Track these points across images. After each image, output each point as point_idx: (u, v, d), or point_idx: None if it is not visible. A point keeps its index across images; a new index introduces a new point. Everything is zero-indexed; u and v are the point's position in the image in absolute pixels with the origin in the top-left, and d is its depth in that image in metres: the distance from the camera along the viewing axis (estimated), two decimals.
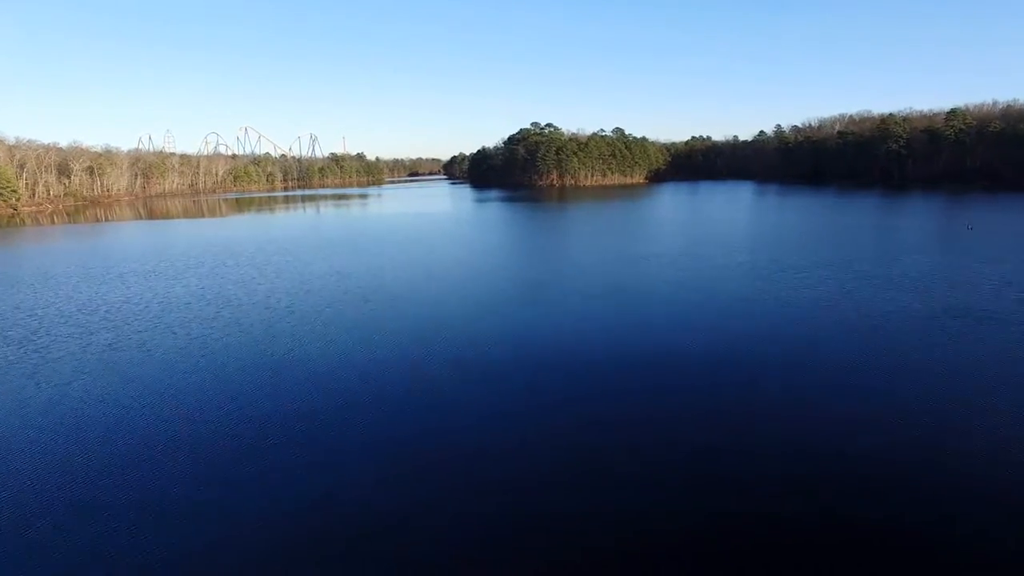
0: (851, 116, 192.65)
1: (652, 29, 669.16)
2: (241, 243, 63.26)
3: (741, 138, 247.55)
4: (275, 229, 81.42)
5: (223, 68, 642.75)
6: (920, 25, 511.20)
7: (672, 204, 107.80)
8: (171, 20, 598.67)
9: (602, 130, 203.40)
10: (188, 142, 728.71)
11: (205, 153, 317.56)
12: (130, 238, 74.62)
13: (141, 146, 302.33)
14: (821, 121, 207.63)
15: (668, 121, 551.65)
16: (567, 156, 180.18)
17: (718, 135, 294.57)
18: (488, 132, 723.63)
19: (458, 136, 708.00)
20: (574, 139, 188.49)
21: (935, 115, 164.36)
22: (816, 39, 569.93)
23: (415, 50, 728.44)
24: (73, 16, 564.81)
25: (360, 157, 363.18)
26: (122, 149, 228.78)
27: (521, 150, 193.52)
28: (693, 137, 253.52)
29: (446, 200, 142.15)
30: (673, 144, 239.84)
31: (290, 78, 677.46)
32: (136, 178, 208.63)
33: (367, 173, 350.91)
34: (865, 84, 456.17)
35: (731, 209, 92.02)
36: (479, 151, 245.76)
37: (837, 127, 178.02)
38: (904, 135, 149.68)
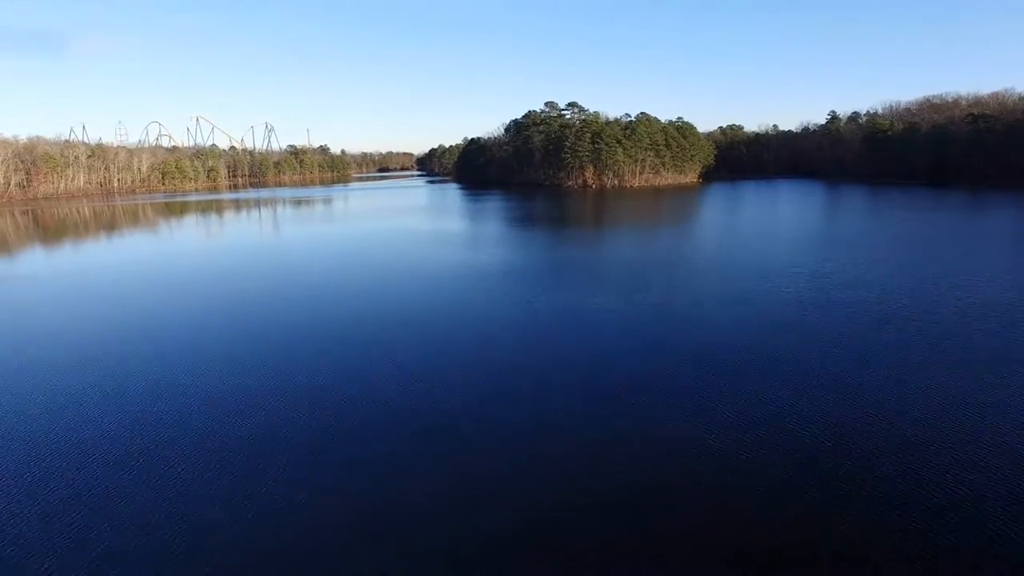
0: (947, 97, 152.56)
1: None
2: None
3: (783, 127, 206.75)
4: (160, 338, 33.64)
5: (174, 54, 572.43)
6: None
7: (847, 226, 63.03)
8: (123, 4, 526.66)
9: (627, 114, 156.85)
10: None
11: (147, 145, 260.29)
12: None
13: (73, 137, 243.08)
14: (889, 105, 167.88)
15: (683, 106, 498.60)
16: (608, 145, 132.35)
17: (750, 124, 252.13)
18: (469, 124, 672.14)
19: (433, 128, 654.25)
20: (617, 123, 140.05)
21: None
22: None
23: (386, 32, 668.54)
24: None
25: (323, 150, 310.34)
26: (20, 138, 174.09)
27: (538, 138, 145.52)
28: (729, 126, 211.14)
29: (447, 219, 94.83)
30: (710, 134, 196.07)
31: (248, 64, 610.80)
32: (13, 175, 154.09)
33: (331, 168, 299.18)
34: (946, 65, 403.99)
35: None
36: (472, 141, 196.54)
37: (958, 112, 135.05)
38: None
